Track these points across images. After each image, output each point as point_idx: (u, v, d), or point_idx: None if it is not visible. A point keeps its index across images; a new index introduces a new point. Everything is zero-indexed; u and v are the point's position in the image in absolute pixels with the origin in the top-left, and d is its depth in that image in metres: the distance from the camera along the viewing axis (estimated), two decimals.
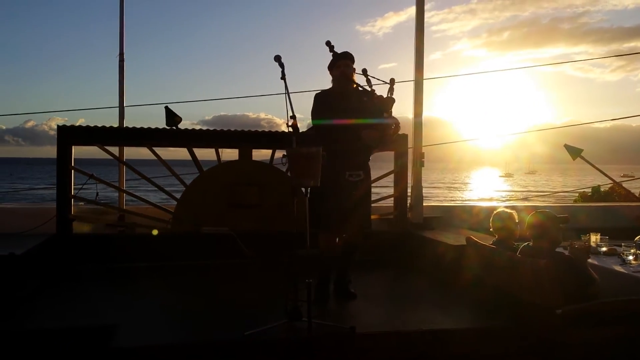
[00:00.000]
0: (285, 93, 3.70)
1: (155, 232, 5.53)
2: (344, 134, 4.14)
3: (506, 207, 4.46)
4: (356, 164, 4.23)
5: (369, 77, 4.24)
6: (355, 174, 4.20)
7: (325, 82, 4.39)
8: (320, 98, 4.30)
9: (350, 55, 4.26)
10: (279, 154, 5.73)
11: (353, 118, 4.12)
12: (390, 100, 4.14)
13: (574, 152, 5.94)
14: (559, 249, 3.75)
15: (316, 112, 4.26)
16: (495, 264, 3.88)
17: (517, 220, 4.11)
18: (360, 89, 4.29)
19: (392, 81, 4.18)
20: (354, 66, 4.27)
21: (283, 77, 3.74)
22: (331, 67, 4.32)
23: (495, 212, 4.26)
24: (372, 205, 6.30)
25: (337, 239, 4.33)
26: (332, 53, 4.26)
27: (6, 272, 4.21)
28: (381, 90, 4.22)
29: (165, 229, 5.59)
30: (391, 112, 4.13)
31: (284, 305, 3.49)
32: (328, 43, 4.26)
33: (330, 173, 4.03)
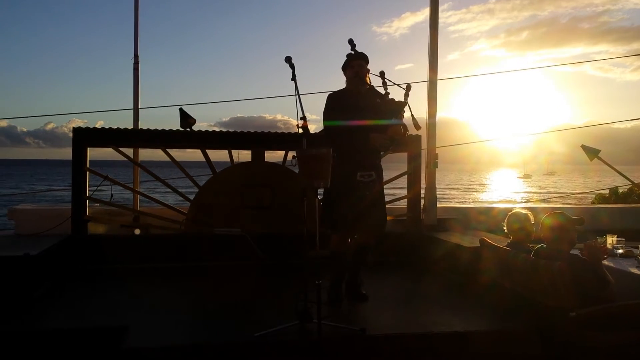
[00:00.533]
0: (296, 94, 3.69)
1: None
2: (355, 135, 4.12)
3: (523, 208, 4.40)
4: (367, 165, 4.20)
5: (385, 79, 4.20)
6: (367, 175, 4.17)
7: (342, 83, 4.36)
8: (334, 98, 4.29)
9: (365, 55, 4.24)
10: (292, 155, 5.72)
11: (365, 119, 4.09)
12: (401, 104, 4.09)
13: (592, 152, 5.84)
14: (573, 251, 3.69)
15: (328, 112, 4.25)
16: (511, 266, 3.83)
17: (533, 222, 4.05)
18: (373, 89, 4.26)
19: (409, 87, 4.12)
20: (368, 67, 4.24)
21: (293, 78, 3.73)
22: (345, 68, 4.31)
23: (511, 213, 4.19)
24: (386, 206, 6.32)
25: (349, 240, 4.32)
26: (351, 52, 4.24)
27: (21, 272, 4.26)
28: (397, 95, 4.20)
29: (179, 230, 5.62)
30: (402, 116, 4.09)
31: (295, 307, 3.48)
32: (351, 41, 4.22)
33: (342, 174, 4.04)
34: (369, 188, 4.17)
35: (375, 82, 4.25)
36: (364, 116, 4.10)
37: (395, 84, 4.17)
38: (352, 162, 4.14)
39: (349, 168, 4.12)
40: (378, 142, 4.13)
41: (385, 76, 4.22)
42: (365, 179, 4.15)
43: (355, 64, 4.22)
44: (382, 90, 4.24)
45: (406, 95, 4.13)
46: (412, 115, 4.08)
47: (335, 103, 4.25)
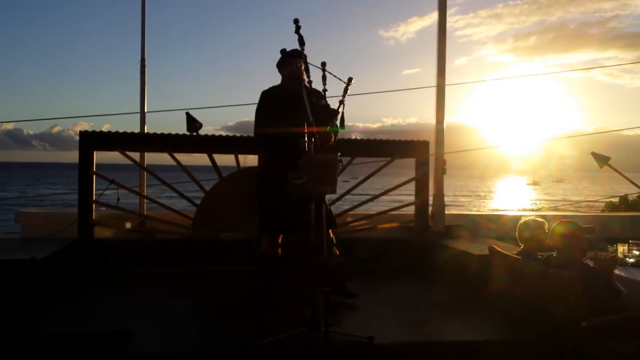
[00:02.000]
0: (305, 101, 3.67)
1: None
2: (287, 137, 3.94)
3: (535, 216, 4.34)
4: (298, 166, 3.94)
5: (326, 72, 3.95)
6: (297, 176, 3.97)
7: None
8: (267, 96, 4.26)
9: (301, 53, 4.02)
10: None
11: (299, 121, 3.81)
12: (335, 113, 3.93)
13: (602, 160, 5.79)
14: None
15: (261, 111, 4.22)
16: (521, 274, 3.78)
17: (547, 230, 3.97)
18: (310, 88, 4.14)
19: (349, 80, 3.92)
20: (308, 61, 4.04)
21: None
22: (280, 65, 4.25)
23: (522, 221, 4.13)
24: (393, 212, 6.28)
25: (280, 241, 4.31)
26: (297, 35, 3.94)
27: (28, 275, 4.25)
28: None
29: (185, 235, 5.59)
30: (334, 123, 3.94)
31: (302, 314, 3.44)
32: (296, 21, 3.93)
33: (272, 174, 4.13)
34: (299, 190, 3.86)
35: (316, 73, 4.01)
36: (299, 120, 3.83)
37: (335, 76, 3.96)
38: (283, 163, 4.01)
39: (280, 168, 4.06)
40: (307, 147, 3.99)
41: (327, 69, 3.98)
42: (295, 180, 3.93)
43: (293, 61, 4.13)
44: (321, 84, 3.97)
45: (345, 90, 3.96)
46: (342, 113, 3.92)
47: (268, 102, 4.21)
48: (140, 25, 6.28)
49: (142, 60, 6.30)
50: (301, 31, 3.84)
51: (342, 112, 3.96)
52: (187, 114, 5.66)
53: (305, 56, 4.02)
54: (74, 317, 4.05)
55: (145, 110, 6.25)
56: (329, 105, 4.04)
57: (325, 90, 4.00)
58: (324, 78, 3.97)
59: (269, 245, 4.29)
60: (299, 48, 3.96)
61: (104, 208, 5.75)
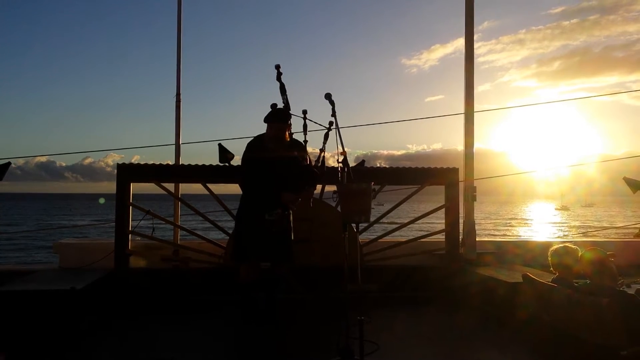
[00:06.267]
0: (336, 129, 3.77)
1: (101, 200, 5.73)
2: (267, 188, 4.43)
3: (565, 242, 4.31)
4: (275, 204, 4.43)
5: (307, 120, 4.35)
6: (274, 213, 4.41)
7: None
8: (253, 146, 4.60)
9: (284, 117, 4.46)
10: (329, 188, 5.77)
11: (278, 175, 4.43)
12: (313, 178, 4.53)
13: (634, 185, 5.75)
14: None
15: (246, 159, 4.60)
16: (554, 301, 3.75)
17: (577, 257, 3.93)
18: (292, 140, 4.54)
19: (331, 124, 4.23)
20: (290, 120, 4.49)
21: (333, 114, 3.82)
22: (267, 121, 4.52)
23: (552, 248, 4.11)
24: (422, 240, 6.29)
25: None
26: (278, 80, 4.57)
27: (68, 305, 4.37)
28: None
29: (218, 264, 5.68)
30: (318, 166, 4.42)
31: (336, 343, 3.46)
32: (277, 67, 4.54)
33: (250, 212, 4.53)
34: (275, 223, 4.42)
35: (296, 120, 4.44)
36: (278, 173, 4.43)
37: (317, 123, 4.36)
38: (261, 205, 4.42)
39: (258, 209, 4.43)
40: (288, 199, 4.46)
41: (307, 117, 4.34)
42: (271, 217, 4.40)
43: (275, 126, 4.46)
44: (302, 135, 4.43)
45: (326, 135, 4.40)
46: (323, 161, 4.43)
47: (253, 153, 4.56)
48: (176, 61, 6.50)
49: (178, 94, 6.49)
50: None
51: (323, 157, 4.31)
52: (220, 146, 5.80)
53: (290, 116, 4.47)
54: (114, 346, 4.14)
55: (180, 142, 6.40)
56: (310, 166, 4.52)
57: (306, 141, 4.46)
58: (305, 126, 4.35)
59: (248, 274, 4.62)
60: (289, 109, 4.50)
61: (139, 238, 5.88)
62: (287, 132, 4.48)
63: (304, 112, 4.34)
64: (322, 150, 4.48)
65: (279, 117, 4.47)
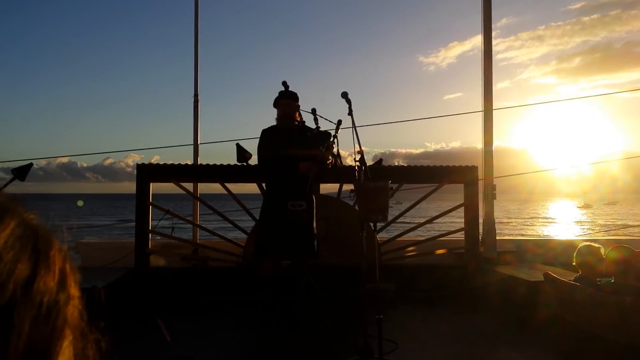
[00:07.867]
0: (352, 127, 3.76)
1: (80, 202, 5.74)
2: (286, 167, 4.36)
3: (589, 240, 4.24)
4: (298, 194, 4.37)
5: (317, 116, 4.37)
6: (297, 204, 4.34)
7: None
8: (266, 133, 4.60)
9: (291, 94, 4.53)
10: (347, 187, 5.76)
11: (294, 151, 4.34)
12: (327, 134, 4.31)
13: None
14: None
15: (261, 145, 4.56)
16: (576, 301, 3.69)
17: (600, 256, 3.86)
18: (304, 125, 4.52)
19: (339, 122, 4.21)
20: (299, 104, 4.54)
21: (350, 113, 3.80)
22: (275, 103, 4.57)
23: (579, 247, 4.05)
24: (442, 239, 6.25)
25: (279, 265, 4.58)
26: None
27: (88, 304, 4.42)
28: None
29: (236, 263, 5.70)
30: (330, 146, 4.20)
31: (355, 341, 3.45)
32: (284, 83, 4.58)
33: (273, 202, 4.43)
34: (299, 217, 4.35)
35: (308, 117, 4.45)
36: (293, 149, 4.35)
37: (326, 119, 4.34)
38: (283, 192, 4.37)
39: (280, 197, 4.37)
40: (306, 168, 4.31)
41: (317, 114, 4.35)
42: (295, 208, 4.33)
43: (282, 102, 4.52)
44: (314, 125, 4.41)
45: (336, 130, 4.28)
46: (337, 151, 4.23)
47: (267, 138, 4.56)
48: (193, 63, 6.55)
49: (195, 95, 6.54)
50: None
51: (338, 149, 4.24)
52: (238, 145, 5.82)
53: (298, 98, 4.51)
54: (133, 344, 4.18)
55: (199, 142, 6.45)
56: (320, 129, 4.41)
57: (318, 127, 4.40)
58: (315, 120, 4.36)
59: (271, 269, 4.51)
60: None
61: (159, 237, 5.94)
62: (296, 112, 4.52)
63: (313, 110, 4.38)
64: (334, 136, 4.34)
65: (284, 94, 4.55)
